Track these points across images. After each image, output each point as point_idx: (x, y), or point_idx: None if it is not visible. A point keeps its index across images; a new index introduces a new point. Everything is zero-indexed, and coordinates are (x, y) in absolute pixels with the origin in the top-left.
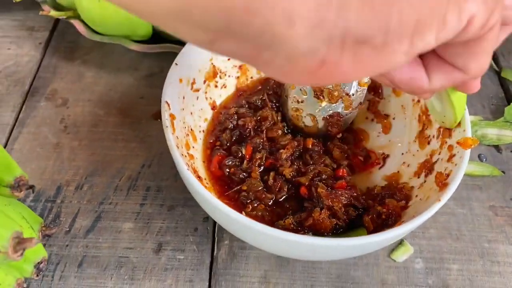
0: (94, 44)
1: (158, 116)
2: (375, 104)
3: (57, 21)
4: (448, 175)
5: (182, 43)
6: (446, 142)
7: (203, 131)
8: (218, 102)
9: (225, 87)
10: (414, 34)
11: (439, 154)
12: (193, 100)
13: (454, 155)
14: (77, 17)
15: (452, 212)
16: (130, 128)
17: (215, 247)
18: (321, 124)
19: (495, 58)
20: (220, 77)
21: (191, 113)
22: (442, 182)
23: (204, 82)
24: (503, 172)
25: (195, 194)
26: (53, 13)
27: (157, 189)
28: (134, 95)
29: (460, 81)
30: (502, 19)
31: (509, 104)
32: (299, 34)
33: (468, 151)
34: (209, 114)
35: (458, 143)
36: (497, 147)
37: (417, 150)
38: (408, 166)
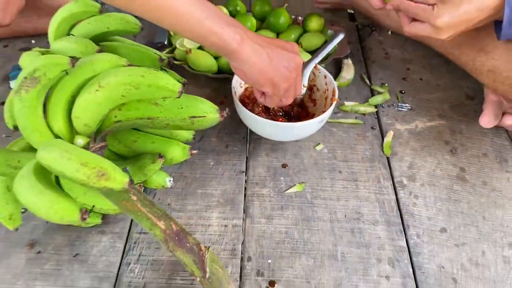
0: (191, 74)
1: (220, 104)
2: (311, 95)
3: (170, 65)
4: (324, 111)
5: (232, 73)
6: (327, 100)
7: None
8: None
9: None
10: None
11: (326, 106)
12: (239, 88)
13: (331, 104)
14: (185, 63)
15: (340, 136)
16: None
17: (248, 145)
18: None
19: (369, 78)
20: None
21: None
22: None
23: (244, 83)
24: (364, 122)
25: (239, 111)
26: (177, 62)
27: (223, 127)
28: (212, 96)
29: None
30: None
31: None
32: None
33: (334, 102)
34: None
35: (331, 100)
36: (363, 115)
37: (324, 106)
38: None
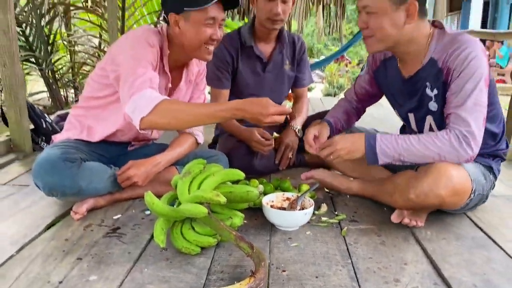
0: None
1: (255, 220)
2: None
3: None
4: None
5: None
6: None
7: None
8: None
9: None
10: None
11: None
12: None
13: (311, 206)
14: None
15: (319, 229)
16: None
17: (270, 231)
18: None
19: (335, 211)
20: None
21: None
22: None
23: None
24: (332, 225)
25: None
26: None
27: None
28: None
29: None
30: None
31: None
32: None
33: (313, 205)
34: None
35: (311, 205)
36: (332, 223)
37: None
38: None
